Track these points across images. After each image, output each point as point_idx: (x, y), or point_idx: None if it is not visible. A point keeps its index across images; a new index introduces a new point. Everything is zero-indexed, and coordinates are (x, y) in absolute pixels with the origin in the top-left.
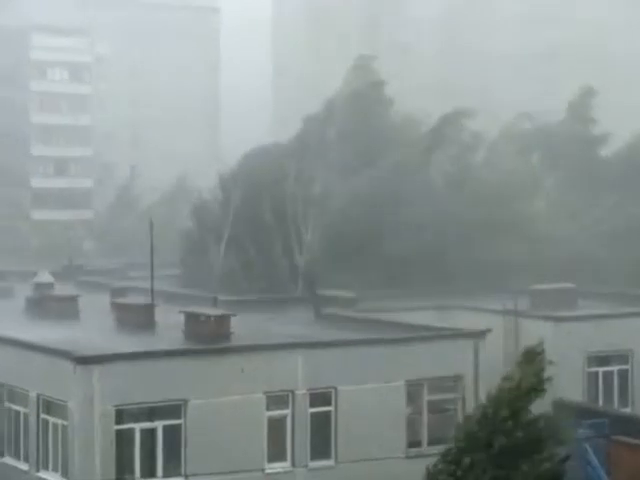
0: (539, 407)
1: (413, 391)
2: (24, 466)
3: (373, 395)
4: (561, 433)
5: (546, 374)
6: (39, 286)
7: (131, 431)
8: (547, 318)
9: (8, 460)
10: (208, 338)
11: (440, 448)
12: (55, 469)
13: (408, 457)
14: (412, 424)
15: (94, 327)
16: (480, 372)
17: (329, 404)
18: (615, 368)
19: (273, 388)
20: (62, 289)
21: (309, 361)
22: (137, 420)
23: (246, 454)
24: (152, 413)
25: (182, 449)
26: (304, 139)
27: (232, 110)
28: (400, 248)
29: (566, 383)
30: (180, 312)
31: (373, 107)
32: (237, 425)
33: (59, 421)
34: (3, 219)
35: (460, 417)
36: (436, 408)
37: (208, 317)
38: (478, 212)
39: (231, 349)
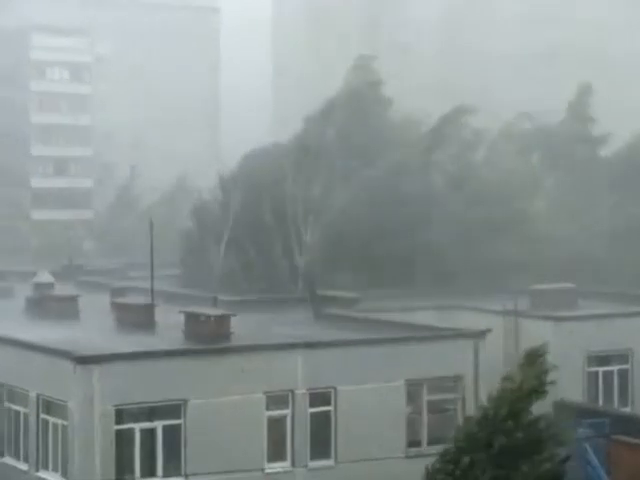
0: (540, 408)
1: (413, 391)
2: (24, 466)
3: (373, 395)
4: (561, 434)
5: (548, 377)
6: (39, 286)
7: (131, 431)
8: (547, 318)
9: (8, 460)
10: (208, 338)
11: (440, 448)
12: (55, 469)
13: (408, 457)
14: (412, 424)
15: (94, 327)
16: (480, 372)
17: (329, 404)
18: (615, 368)
19: (273, 388)
20: (62, 289)
21: (309, 361)
22: (137, 420)
23: (246, 454)
24: (152, 413)
25: (182, 449)
26: (303, 139)
27: (232, 110)
28: (400, 248)
29: (566, 383)
30: (180, 312)
31: (372, 107)
32: (237, 425)
33: (59, 421)
34: (3, 219)
35: (460, 417)
36: (436, 408)
37: (208, 317)
38: (478, 212)
39: (231, 349)
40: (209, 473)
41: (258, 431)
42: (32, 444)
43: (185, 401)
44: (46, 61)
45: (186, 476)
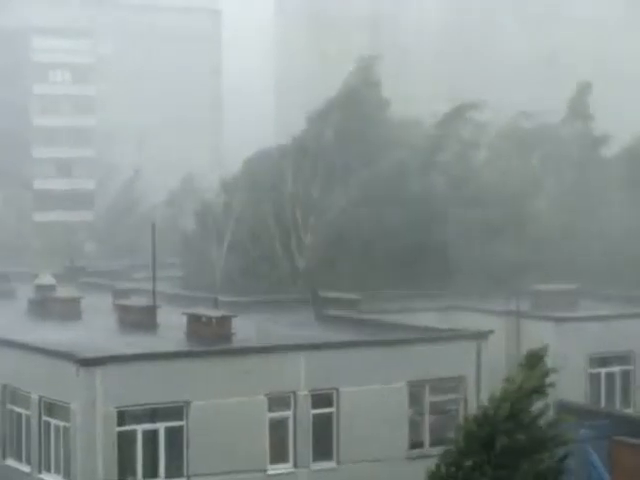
0: (541, 409)
1: (415, 392)
2: (26, 468)
3: (375, 396)
4: (561, 433)
5: (549, 379)
6: (41, 288)
7: (133, 433)
8: (549, 319)
9: (10, 462)
10: (210, 339)
11: (442, 449)
12: (57, 471)
13: (410, 458)
14: (414, 425)
15: (96, 329)
16: (482, 373)
17: (331, 405)
18: (617, 369)
19: (275, 389)
20: (64, 291)
21: (311, 362)
22: (139, 422)
23: (248, 455)
24: (154, 414)
25: (184, 450)
26: (302, 140)
27: (234, 112)
28: (400, 249)
29: (568, 384)
30: (182, 314)
31: (372, 108)
32: (239, 426)
33: (61, 423)
34: (5, 221)
35: (462, 418)
36: (438, 409)
37: (210, 318)
38: (479, 212)
39: (233, 350)
40: (211, 474)
41: (260, 433)
42: (34, 446)
43: (187, 403)
44: (48, 63)
45: (188, 478)
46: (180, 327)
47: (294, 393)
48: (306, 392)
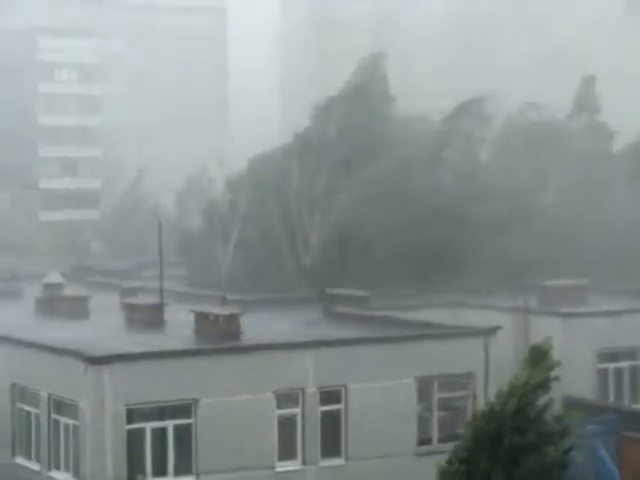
0: (550, 404)
1: (424, 388)
2: (36, 466)
3: (383, 393)
4: (567, 426)
5: (554, 373)
6: (48, 287)
7: (142, 430)
8: (557, 314)
9: (20, 460)
10: (218, 337)
11: (451, 445)
12: (67, 469)
13: (419, 454)
14: (423, 421)
15: (104, 327)
16: (490, 369)
17: (339, 402)
18: (625, 364)
19: (283, 387)
20: (72, 289)
21: (319, 359)
22: (148, 419)
23: (257, 453)
24: (163, 412)
25: (193, 448)
26: (306, 137)
27: (239, 112)
28: (407, 245)
29: (576, 380)
30: (190, 311)
31: (377, 103)
32: (247, 424)
33: (70, 421)
34: (12, 220)
35: (470, 414)
36: (447, 405)
37: (217, 316)
38: (486, 208)
39: (241, 348)
40: (220, 472)
41: (269, 430)
42: (44, 444)
43: (196, 400)
44: (53, 62)
45: (197, 475)
46: (188, 325)
47: (302, 390)
48: (314, 389)
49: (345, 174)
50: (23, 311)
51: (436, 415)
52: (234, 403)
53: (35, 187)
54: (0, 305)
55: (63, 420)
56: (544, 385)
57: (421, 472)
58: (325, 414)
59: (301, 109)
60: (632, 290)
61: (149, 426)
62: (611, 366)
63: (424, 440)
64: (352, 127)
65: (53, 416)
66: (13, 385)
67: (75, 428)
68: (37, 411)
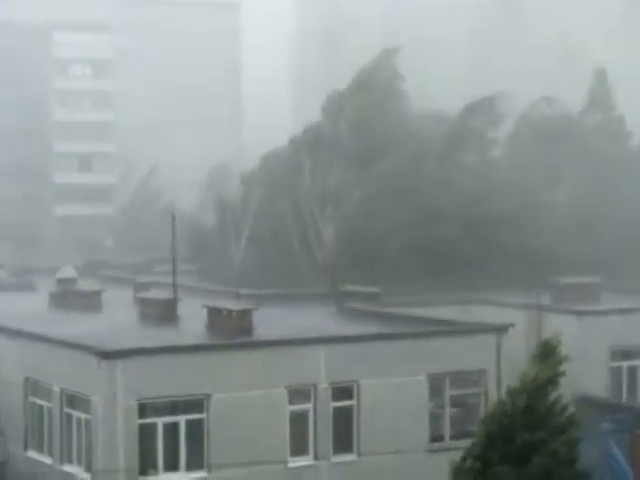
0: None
1: (436, 385)
2: (48, 460)
3: (395, 389)
4: (572, 416)
5: (562, 367)
6: (62, 281)
7: (154, 425)
8: (570, 312)
9: (32, 454)
10: (230, 332)
11: (463, 442)
12: (79, 463)
13: (431, 451)
14: (434, 418)
15: (117, 322)
16: (503, 366)
17: (351, 398)
18: (639, 362)
19: (295, 382)
20: (85, 284)
21: (331, 355)
22: (160, 414)
23: (269, 448)
24: (175, 407)
25: (205, 443)
26: (317, 130)
27: (253, 107)
28: (419, 241)
29: (590, 377)
30: (203, 306)
31: (388, 99)
32: (260, 419)
33: (82, 415)
34: (26, 215)
35: (482, 411)
36: (459, 402)
37: (230, 311)
38: (499, 204)
39: (253, 343)
40: (232, 467)
41: (281, 425)
42: (56, 438)
43: (208, 395)
44: (68, 58)
45: (209, 470)
46: (201, 320)
47: (314, 386)
48: (326, 385)
49: (356, 169)
50: (37, 305)
51: (448, 412)
52: (246, 398)
53: (50, 182)
54: (14, 299)
55: (75, 414)
56: (553, 380)
57: (433, 469)
58: (337, 410)
59: (315, 105)
60: None
61: (161, 421)
62: (624, 364)
63: (436, 437)
64: (363, 122)
65: (65, 410)
66: (26, 379)
67: (87, 422)
68: (49, 405)
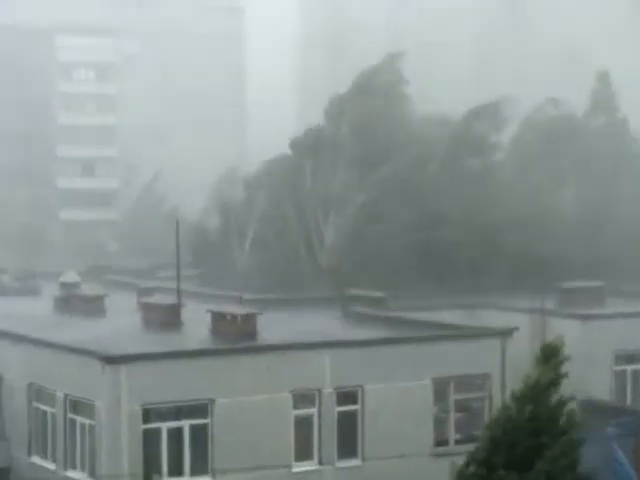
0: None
1: (440, 389)
2: (52, 465)
3: (400, 393)
4: (571, 414)
5: (564, 368)
6: (65, 285)
7: (158, 430)
8: (574, 316)
9: (36, 459)
10: (235, 337)
11: (467, 447)
12: (82, 468)
13: (435, 455)
14: (439, 422)
15: (121, 327)
16: (507, 370)
17: (356, 403)
18: None
19: (300, 387)
20: (89, 288)
21: (336, 360)
22: (164, 419)
23: (273, 453)
24: (179, 412)
25: (209, 448)
26: (318, 134)
27: (258, 111)
28: (423, 245)
29: (594, 381)
30: (207, 311)
31: (391, 102)
32: (264, 424)
33: (86, 421)
34: (30, 219)
35: (487, 416)
36: (463, 406)
37: (234, 316)
38: (503, 207)
39: (258, 348)
40: (236, 472)
41: (285, 430)
42: (60, 444)
43: (212, 400)
44: (72, 61)
45: (213, 475)
46: (205, 325)
47: (319, 390)
48: (331, 389)
49: (359, 173)
50: (40, 310)
51: (452, 416)
52: (250, 403)
53: (54, 186)
54: (18, 304)
55: (79, 419)
56: (555, 382)
57: (438, 473)
58: (342, 414)
59: (319, 109)
60: None
61: (165, 426)
62: (629, 368)
63: (441, 441)
64: (364, 125)
65: (69, 415)
66: (29, 385)
67: (91, 428)
68: (53, 410)
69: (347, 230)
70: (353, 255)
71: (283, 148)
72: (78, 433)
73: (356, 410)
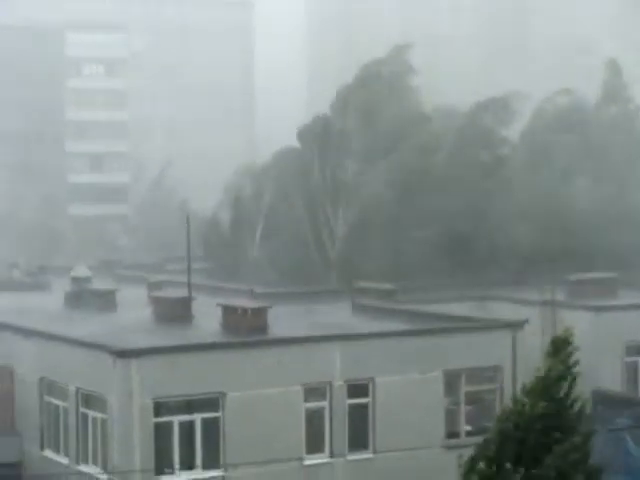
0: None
1: (451, 382)
2: (64, 459)
3: (411, 386)
4: (582, 406)
5: (574, 359)
6: (76, 280)
7: (170, 424)
8: (585, 308)
9: (48, 454)
10: (245, 331)
11: (478, 439)
12: (95, 462)
13: (446, 448)
14: (450, 415)
15: (132, 321)
16: (518, 363)
17: (367, 395)
18: None
19: (311, 380)
20: (100, 283)
21: (346, 353)
22: (176, 413)
23: (284, 446)
24: (190, 406)
25: (220, 441)
26: (325, 123)
27: (267, 105)
28: (433, 237)
29: (605, 372)
30: (217, 305)
31: (396, 93)
32: (275, 417)
33: (98, 415)
34: (40, 214)
35: (498, 408)
36: (474, 399)
37: (245, 310)
38: (513, 199)
39: (268, 341)
40: (248, 465)
41: (296, 423)
42: (72, 438)
43: (223, 394)
44: (81, 57)
45: (225, 468)
46: (215, 318)
47: (330, 383)
48: (342, 382)
49: (365, 163)
50: (52, 304)
51: (463, 408)
52: (261, 396)
53: (64, 181)
54: (29, 298)
55: (91, 414)
56: (565, 375)
57: (449, 465)
58: (352, 407)
59: (328, 101)
60: None
61: (177, 419)
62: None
63: (452, 433)
64: (368, 115)
65: (81, 410)
66: (41, 379)
67: (103, 421)
68: (65, 404)
69: (356, 222)
70: (363, 247)
71: (292, 140)
72: (90, 427)
73: (367, 403)
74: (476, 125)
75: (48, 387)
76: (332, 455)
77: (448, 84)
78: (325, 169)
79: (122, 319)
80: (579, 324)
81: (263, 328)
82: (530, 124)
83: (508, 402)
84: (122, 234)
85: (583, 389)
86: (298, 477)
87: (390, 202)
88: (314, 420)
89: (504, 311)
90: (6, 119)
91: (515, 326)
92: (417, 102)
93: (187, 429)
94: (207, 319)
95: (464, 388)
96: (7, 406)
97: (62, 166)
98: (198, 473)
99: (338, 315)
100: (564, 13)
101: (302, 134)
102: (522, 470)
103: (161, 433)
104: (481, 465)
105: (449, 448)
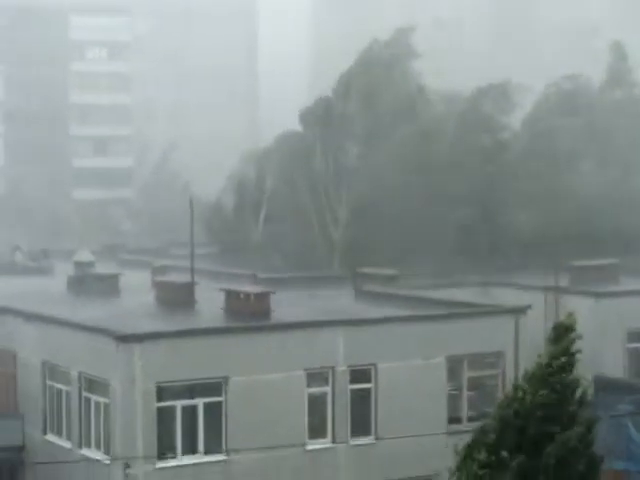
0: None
1: (453, 367)
2: (67, 444)
3: (413, 372)
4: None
5: (576, 346)
6: (79, 264)
7: (172, 408)
8: (587, 294)
9: (51, 438)
10: (248, 315)
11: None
12: (97, 447)
13: (449, 433)
14: (452, 400)
15: (135, 305)
16: (521, 348)
17: (369, 381)
18: None
19: (313, 365)
20: (103, 267)
21: (349, 338)
22: (178, 397)
23: (287, 431)
24: (193, 390)
25: (223, 426)
26: (327, 105)
27: (270, 90)
28: (436, 222)
29: (606, 359)
30: (220, 290)
31: (397, 77)
32: (278, 402)
33: (101, 399)
34: (44, 198)
35: (500, 393)
36: (476, 384)
37: (248, 295)
38: (516, 185)
39: (271, 326)
40: (250, 450)
41: (299, 408)
42: (75, 422)
43: (226, 378)
44: (85, 41)
45: (227, 453)
46: (218, 303)
47: (332, 369)
48: (344, 367)
49: (366, 146)
50: (55, 288)
51: (466, 394)
52: (264, 381)
53: (68, 165)
54: (32, 282)
55: (94, 398)
56: (567, 363)
57: (451, 451)
58: (355, 393)
59: (331, 84)
60: None
61: (179, 404)
62: None
63: (454, 419)
64: (369, 98)
65: (84, 394)
66: (44, 363)
67: (106, 406)
68: (68, 389)
69: (358, 205)
70: (365, 231)
71: (296, 124)
72: (93, 411)
73: (370, 388)
74: (478, 110)
75: (51, 371)
76: (334, 440)
77: (452, 68)
78: (327, 152)
79: (125, 304)
80: (581, 310)
81: (266, 313)
82: (534, 108)
83: (510, 388)
84: (125, 218)
85: (585, 375)
86: (300, 462)
87: (392, 187)
88: (317, 405)
89: (507, 297)
90: (10, 101)
91: (518, 312)
92: (419, 86)
93: (190, 414)
94: (210, 304)
95: (467, 374)
96: (10, 389)
97: (66, 150)
98: (200, 458)
99: (341, 300)
100: None
101: (304, 117)
102: (522, 457)
103: (164, 418)
104: (480, 453)
105: (451, 434)
